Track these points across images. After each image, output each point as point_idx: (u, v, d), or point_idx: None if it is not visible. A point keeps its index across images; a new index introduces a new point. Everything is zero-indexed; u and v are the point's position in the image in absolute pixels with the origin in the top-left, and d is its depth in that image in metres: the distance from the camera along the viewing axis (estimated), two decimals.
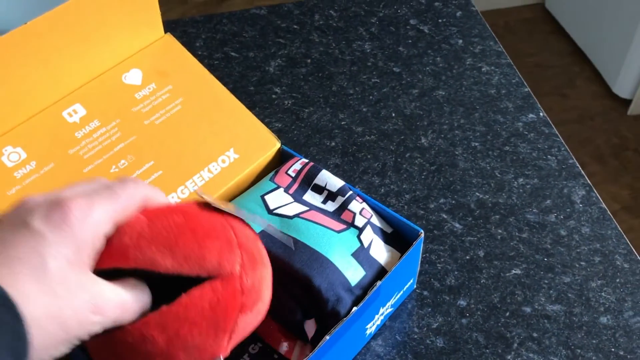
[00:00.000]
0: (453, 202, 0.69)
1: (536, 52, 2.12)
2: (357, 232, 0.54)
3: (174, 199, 0.55)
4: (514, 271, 0.63)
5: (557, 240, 0.65)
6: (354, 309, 0.49)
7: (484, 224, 0.67)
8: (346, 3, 0.92)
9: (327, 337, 0.47)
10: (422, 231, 0.54)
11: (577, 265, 0.63)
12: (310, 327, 0.50)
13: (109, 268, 0.36)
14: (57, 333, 0.32)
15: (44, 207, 0.34)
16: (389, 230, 0.56)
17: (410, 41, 0.86)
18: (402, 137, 0.75)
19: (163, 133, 0.58)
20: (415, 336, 0.58)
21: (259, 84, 0.81)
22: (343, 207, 0.56)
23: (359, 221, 0.55)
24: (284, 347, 0.53)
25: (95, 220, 0.35)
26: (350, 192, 0.57)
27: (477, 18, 0.89)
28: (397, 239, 0.56)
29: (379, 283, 0.51)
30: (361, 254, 0.53)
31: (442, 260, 0.64)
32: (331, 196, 0.57)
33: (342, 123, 0.77)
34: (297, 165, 0.59)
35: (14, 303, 0.30)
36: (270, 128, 0.76)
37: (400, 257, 0.54)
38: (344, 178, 0.71)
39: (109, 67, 0.59)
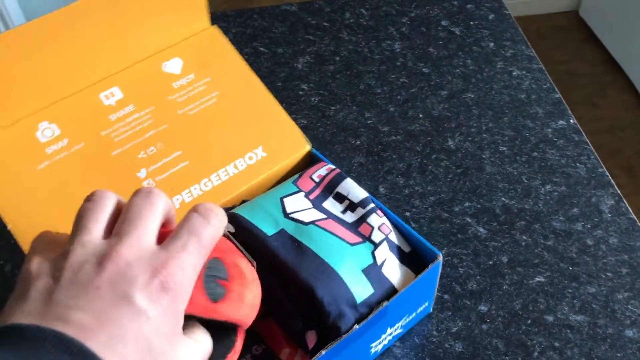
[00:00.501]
0: (478, 206, 0.68)
1: (568, 59, 2.09)
2: (372, 247, 0.52)
3: (196, 190, 0.55)
4: (537, 279, 0.62)
5: (583, 249, 0.64)
6: (356, 326, 0.47)
7: (508, 230, 0.66)
8: (377, 2, 0.91)
9: (323, 352, 0.46)
10: (440, 254, 0.51)
11: (603, 276, 0.62)
12: (311, 338, 0.48)
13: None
14: None
15: (143, 276, 0.32)
16: (407, 249, 0.54)
17: (440, 42, 0.86)
18: (429, 138, 0.74)
19: (194, 124, 0.58)
20: (434, 339, 0.58)
21: (286, 80, 0.81)
22: (362, 219, 0.54)
23: (376, 236, 0.53)
24: (285, 353, 0.51)
25: (189, 281, 0.34)
26: (372, 205, 0.55)
27: (510, 22, 0.88)
28: (414, 259, 0.54)
29: (385, 303, 0.49)
30: (372, 271, 0.51)
31: (464, 264, 0.63)
32: (352, 207, 0.55)
33: (369, 122, 0.76)
34: (322, 170, 0.57)
35: None
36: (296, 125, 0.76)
37: (414, 278, 0.52)
38: (367, 177, 0.70)
39: (151, 54, 0.59)
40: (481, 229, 0.66)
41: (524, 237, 0.65)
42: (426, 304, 0.57)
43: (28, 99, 0.53)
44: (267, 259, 0.50)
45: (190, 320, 0.37)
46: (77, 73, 0.55)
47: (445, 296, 0.61)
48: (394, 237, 0.54)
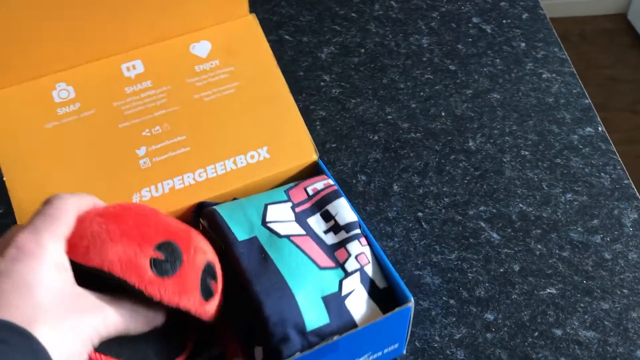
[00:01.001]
0: (494, 211, 0.66)
1: (611, 64, 2.03)
2: (342, 275, 0.49)
3: (189, 179, 0.54)
4: (548, 290, 0.60)
5: (600, 263, 0.61)
6: (298, 353, 0.45)
7: (523, 238, 0.64)
8: None
9: None
10: (412, 300, 0.48)
11: (618, 292, 0.59)
12: (258, 354, 0.46)
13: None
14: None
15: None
16: (382, 284, 0.50)
17: (470, 39, 0.83)
18: (449, 137, 0.72)
19: (206, 111, 0.57)
20: (436, 345, 0.56)
21: (308, 69, 0.80)
22: (342, 244, 0.51)
23: (351, 265, 0.50)
24: None
25: (47, 245, 0.38)
26: (357, 231, 0.51)
27: (544, 22, 0.85)
28: (387, 296, 0.50)
29: (335, 338, 0.45)
30: (334, 301, 0.47)
31: (473, 270, 0.61)
32: (336, 228, 0.52)
33: (389, 117, 0.75)
34: (319, 184, 0.55)
35: (25, 329, 0.33)
36: (314, 116, 0.74)
37: (380, 317, 0.48)
38: (382, 174, 0.69)
39: (181, 33, 0.58)
40: (495, 235, 0.64)
41: (539, 246, 0.63)
42: (396, 345, 0.53)
43: (51, 58, 0.54)
44: (231, 264, 0.48)
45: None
46: (104, 40, 0.55)
47: (451, 301, 0.59)
48: (369, 269, 0.50)
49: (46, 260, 0.37)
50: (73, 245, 0.40)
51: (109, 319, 0.39)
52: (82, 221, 0.41)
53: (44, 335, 0.34)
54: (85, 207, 0.43)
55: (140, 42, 0.57)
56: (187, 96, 0.57)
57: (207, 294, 0.44)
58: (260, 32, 0.61)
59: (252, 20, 0.61)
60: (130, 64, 0.57)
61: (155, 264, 0.41)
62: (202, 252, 0.45)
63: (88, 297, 0.38)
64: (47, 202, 0.41)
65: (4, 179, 0.51)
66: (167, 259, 0.42)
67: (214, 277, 0.45)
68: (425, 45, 0.83)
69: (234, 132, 0.57)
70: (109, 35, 0.55)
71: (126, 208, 0.43)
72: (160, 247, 0.42)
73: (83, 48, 0.55)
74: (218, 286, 0.46)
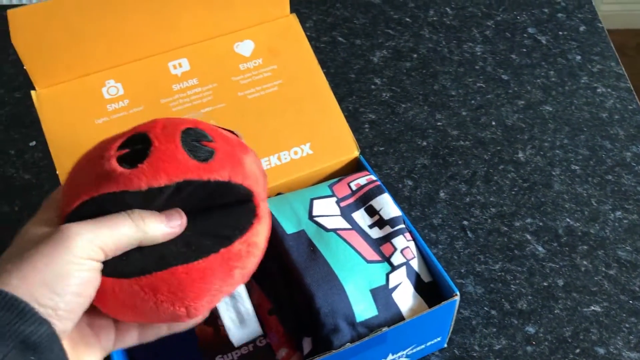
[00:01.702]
0: (540, 224, 0.65)
1: None
2: (388, 268, 0.50)
3: None
4: (593, 307, 0.59)
5: None
6: (348, 344, 0.46)
7: (569, 253, 0.63)
8: (464, 2, 0.89)
9: None
10: (457, 293, 0.48)
11: None
12: (307, 344, 0.47)
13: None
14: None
15: None
16: (427, 278, 0.51)
17: (524, 50, 0.82)
18: (499, 147, 0.72)
19: (250, 108, 0.58)
20: (475, 354, 0.56)
21: (360, 72, 0.80)
22: (387, 238, 0.52)
23: (397, 259, 0.51)
24: (282, 353, 0.50)
25: None
26: (402, 226, 0.52)
27: (602, 35, 0.84)
28: (432, 290, 0.51)
29: (384, 329, 0.46)
30: (381, 293, 0.48)
31: (517, 282, 0.61)
32: (380, 223, 0.53)
33: (438, 124, 0.75)
34: (362, 179, 0.56)
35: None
36: (363, 119, 0.75)
37: (426, 310, 0.49)
38: (429, 180, 0.69)
39: (226, 32, 0.60)
40: (540, 248, 0.63)
41: (585, 263, 0.62)
42: (438, 338, 0.54)
43: (101, 56, 0.56)
44: (280, 256, 0.49)
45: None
46: (151, 38, 0.57)
47: (493, 312, 0.59)
48: (415, 263, 0.51)
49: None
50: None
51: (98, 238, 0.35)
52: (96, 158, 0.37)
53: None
54: None
55: (186, 41, 0.59)
56: (232, 94, 0.58)
57: (200, 154, 0.37)
58: (301, 31, 0.62)
59: (293, 20, 0.62)
60: (177, 62, 0.58)
61: (123, 160, 0.36)
62: (172, 123, 0.38)
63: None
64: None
65: (57, 172, 0.52)
66: (133, 149, 0.36)
67: (203, 136, 0.38)
68: (478, 54, 0.82)
69: (277, 129, 0.58)
70: (156, 34, 0.57)
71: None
72: (124, 145, 0.37)
73: (131, 46, 0.57)
74: (221, 143, 0.38)
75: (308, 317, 0.47)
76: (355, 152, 0.59)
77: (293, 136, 0.58)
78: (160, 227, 0.36)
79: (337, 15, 0.87)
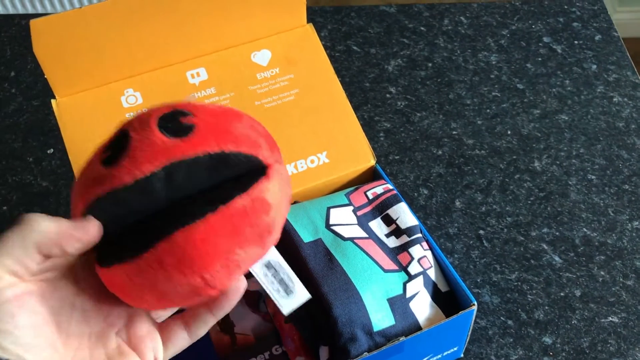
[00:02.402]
0: (557, 233, 0.65)
1: None
2: (406, 278, 0.50)
3: None
4: (610, 318, 0.59)
5: None
6: (365, 354, 0.46)
7: (586, 263, 0.63)
8: (479, 11, 0.89)
9: None
10: (475, 303, 0.48)
11: None
12: (324, 353, 0.47)
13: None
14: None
15: None
16: (444, 288, 0.51)
17: (540, 59, 0.82)
18: (515, 157, 0.72)
19: (267, 117, 0.58)
20: None
21: (375, 81, 0.80)
22: (404, 247, 0.52)
23: (413, 268, 0.51)
24: None
25: None
26: (419, 235, 0.52)
27: (618, 45, 0.84)
28: (449, 300, 0.51)
29: (402, 338, 0.46)
30: (398, 302, 0.48)
31: (533, 292, 0.61)
32: (397, 232, 0.53)
33: (453, 133, 0.75)
34: (378, 188, 0.56)
35: None
36: (378, 127, 0.75)
37: (443, 320, 0.49)
38: (445, 189, 0.69)
39: (244, 42, 0.60)
40: (557, 258, 0.63)
41: (602, 273, 0.62)
42: (455, 348, 0.53)
43: (121, 65, 0.56)
44: (298, 264, 0.49)
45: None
46: (170, 48, 0.57)
47: (509, 322, 0.59)
48: (432, 272, 0.51)
49: None
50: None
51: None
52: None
53: None
54: None
55: (204, 50, 0.59)
56: (250, 103, 0.59)
57: (180, 132, 0.35)
58: (317, 41, 0.62)
59: (310, 30, 0.62)
60: (195, 72, 0.59)
61: (107, 161, 0.35)
62: (153, 110, 0.37)
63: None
64: None
65: (76, 180, 0.53)
66: (114, 148, 0.35)
67: (182, 114, 0.36)
68: (493, 63, 0.82)
69: (294, 137, 0.58)
70: (174, 44, 0.57)
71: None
72: (108, 147, 0.36)
73: (150, 56, 0.57)
74: (202, 116, 0.36)
75: (325, 326, 0.47)
76: (371, 161, 0.59)
77: (310, 145, 0.58)
78: (53, 222, 0.33)
79: (351, 25, 0.88)
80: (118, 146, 0.35)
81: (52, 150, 0.74)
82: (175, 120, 0.35)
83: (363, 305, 0.47)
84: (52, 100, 0.55)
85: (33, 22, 0.50)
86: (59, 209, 0.68)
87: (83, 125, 0.55)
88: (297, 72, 0.61)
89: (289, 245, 0.51)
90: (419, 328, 0.48)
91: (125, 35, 0.54)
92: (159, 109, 0.37)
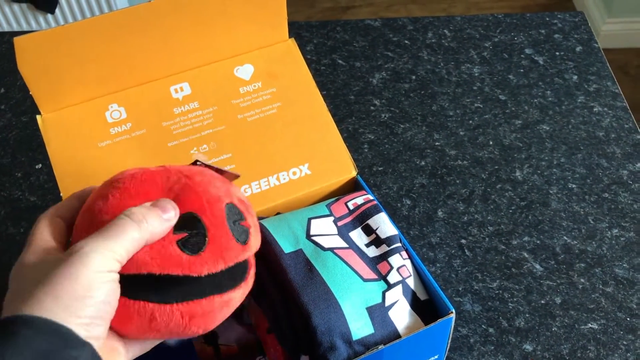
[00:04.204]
0: (538, 242, 0.66)
1: None
2: (385, 287, 0.50)
3: None
4: (590, 325, 0.59)
5: None
6: None
7: (566, 270, 0.63)
8: (462, 24, 0.90)
9: None
10: (453, 310, 0.48)
11: None
12: None
13: None
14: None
15: None
16: (423, 296, 0.52)
17: (522, 70, 0.84)
18: (496, 167, 0.73)
19: (250, 130, 0.59)
20: None
21: (359, 94, 0.82)
22: (383, 256, 0.52)
23: (393, 277, 0.51)
24: None
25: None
26: (398, 245, 0.53)
27: (598, 55, 0.85)
28: (428, 308, 0.51)
29: (380, 347, 0.47)
30: (377, 311, 0.49)
31: (514, 300, 0.61)
32: (377, 242, 0.53)
33: (436, 144, 0.76)
34: (359, 199, 0.57)
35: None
36: (363, 139, 0.76)
37: (422, 328, 0.49)
38: (427, 199, 0.70)
39: (226, 57, 0.62)
40: (537, 266, 0.64)
41: (582, 280, 0.63)
42: (436, 356, 0.54)
43: (105, 81, 0.57)
44: (278, 275, 0.50)
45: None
46: (154, 63, 0.59)
47: (490, 329, 0.59)
48: (411, 281, 0.52)
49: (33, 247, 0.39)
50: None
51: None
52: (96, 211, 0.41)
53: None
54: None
55: (188, 65, 0.60)
56: (232, 116, 0.60)
57: (242, 236, 0.42)
58: (299, 55, 0.63)
59: (292, 44, 0.64)
60: (179, 86, 0.60)
61: (184, 245, 0.39)
62: (215, 200, 0.42)
63: None
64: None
65: (61, 194, 0.54)
66: (191, 234, 0.40)
67: (239, 215, 0.43)
68: (476, 74, 0.84)
69: (276, 150, 0.59)
70: (158, 59, 0.58)
71: (115, 191, 0.41)
72: (176, 227, 0.40)
73: (134, 71, 0.58)
74: (249, 218, 0.43)
75: (305, 336, 0.47)
76: (352, 172, 0.60)
77: (292, 157, 0.59)
78: (160, 222, 0.39)
79: (337, 39, 0.89)
80: (193, 230, 0.40)
81: (40, 165, 0.75)
82: (239, 223, 0.42)
83: (342, 314, 0.48)
84: (37, 116, 0.56)
85: (17, 40, 0.51)
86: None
87: (68, 141, 0.56)
88: (279, 86, 0.62)
89: (269, 255, 0.51)
90: (398, 336, 0.49)
91: (109, 51, 0.55)
92: (218, 195, 0.42)
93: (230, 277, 0.41)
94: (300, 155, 0.59)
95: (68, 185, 0.54)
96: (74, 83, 0.56)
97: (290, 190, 0.58)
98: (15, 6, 1.68)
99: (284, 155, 0.59)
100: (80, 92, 0.57)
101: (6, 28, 1.73)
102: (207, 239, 0.40)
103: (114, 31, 0.54)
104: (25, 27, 1.72)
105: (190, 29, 0.58)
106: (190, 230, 0.40)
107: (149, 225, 0.38)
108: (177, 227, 0.40)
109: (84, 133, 0.57)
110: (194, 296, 0.39)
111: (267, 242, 0.52)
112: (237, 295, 0.42)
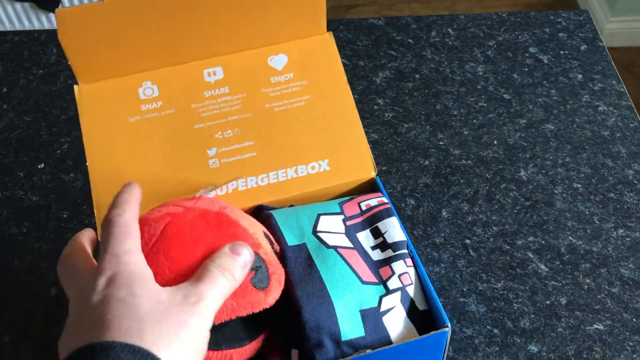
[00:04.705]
0: (543, 242, 0.65)
1: None
2: (383, 292, 0.50)
3: (252, 182, 0.57)
4: (596, 326, 0.59)
5: None
6: None
7: (571, 271, 0.63)
8: (466, 23, 0.90)
9: None
10: (448, 325, 0.47)
11: None
12: (294, 356, 0.47)
13: None
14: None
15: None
16: (422, 306, 0.50)
17: (526, 69, 0.83)
18: (501, 166, 0.73)
19: (276, 120, 0.59)
20: None
21: (363, 93, 0.81)
22: (387, 261, 0.51)
23: (393, 283, 0.50)
24: None
25: (131, 264, 0.40)
26: (404, 251, 0.52)
27: (603, 54, 0.84)
28: (426, 319, 0.50)
29: (368, 351, 0.46)
30: (371, 315, 0.48)
31: (519, 300, 0.61)
32: (383, 245, 0.53)
33: (440, 143, 0.75)
34: (373, 200, 0.56)
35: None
36: (366, 138, 0.76)
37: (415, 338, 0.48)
38: (431, 199, 0.70)
39: (262, 45, 0.62)
40: (542, 267, 0.63)
41: (587, 281, 0.62)
42: None
43: (140, 58, 0.58)
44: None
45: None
46: (190, 46, 0.59)
47: (495, 330, 0.59)
48: (411, 290, 0.51)
49: (138, 279, 0.38)
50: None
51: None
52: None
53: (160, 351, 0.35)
54: (137, 207, 0.44)
55: (223, 50, 0.61)
56: (260, 105, 0.60)
57: (260, 286, 0.45)
58: (335, 50, 0.63)
59: (329, 38, 0.63)
60: (212, 70, 0.61)
61: (255, 283, 0.43)
62: (258, 233, 0.47)
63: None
64: (109, 222, 0.41)
65: (87, 164, 0.56)
66: (256, 269, 0.44)
67: (263, 268, 0.46)
68: (480, 73, 0.83)
69: (298, 143, 0.59)
70: (194, 42, 0.59)
71: (177, 237, 0.44)
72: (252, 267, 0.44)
73: (170, 51, 0.59)
74: (269, 271, 0.46)
75: (296, 330, 0.47)
76: (372, 173, 0.59)
77: (313, 151, 0.59)
78: (242, 270, 0.42)
79: (340, 38, 0.89)
80: (256, 265, 0.44)
81: (42, 165, 0.75)
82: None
83: (334, 313, 0.47)
84: (75, 87, 0.57)
85: (58, 11, 0.52)
86: (49, 223, 0.69)
87: (100, 113, 0.58)
88: (311, 79, 0.62)
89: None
90: (390, 343, 0.48)
91: (146, 29, 0.56)
92: (269, 247, 0.47)
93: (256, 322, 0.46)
94: (322, 150, 0.59)
95: (96, 157, 0.56)
96: (110, 57, 0.57)
97: (307, 185, 0.58)
98: (18, 5, 1.67)
99: (305, 148, 0.59)
100: (116, 67, 0.58)
101: (8, 27, 1.73)
102: (268, 271, 0.44)
103: (152, 11, 0.55)
104: (27, 26, 1.72)
105: (227, 14, 0.58)
106: (254, 266, 0.44)
107: (235, 275, 0.41)
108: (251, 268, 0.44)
109: (116, 106, 0.58)
110: (237, 344, 0.44)
111: (273, 232, 0.52)
112: (257, 345, 0.47)
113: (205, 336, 0.38)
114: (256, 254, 0.45)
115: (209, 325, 0.38)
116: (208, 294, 0.39)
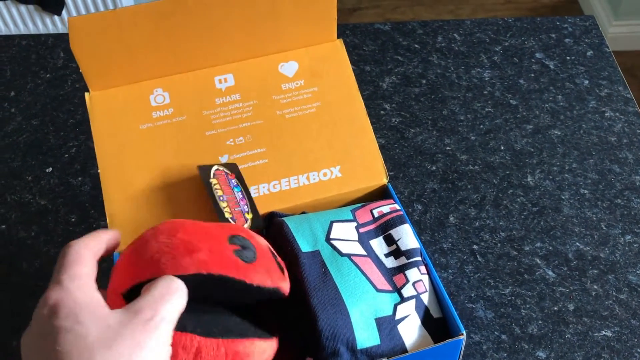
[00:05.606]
0: (550, 248, 0.66)
1: None
2: (397, 299, 0.50)
3: (264, 189, 0.57)
4: (604, 332, 0.59)
5: None
6: None
7: (579, 277, 0.63)
8: (472, 28, 0.90)
9: None
10: (464, 332, 0.47)
11: None
12: None
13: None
14: None
15: None
16: (436, 314, 0.50)
17: (532, 75, 0.83)
18: (508, 172, 0.73)
19: (287, 127, 0.60)
20: None
21: (369, 98, 0.81)
22: (401, 269, 0.51)
23: (407, 291, 0.50)
24: None
25: (76, 295, 0.38)
26: (417, 258, 0.52)
27: (610, 60, 0.85)
28: (440, 326, 0.50)
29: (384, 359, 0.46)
30: (386, 323, 0.48)
31: (527, 306, 0.61)
32: (397, 253, 0.52)
33: (447, 148, 0.75)
34: (385, 207, 0.56)
35: None
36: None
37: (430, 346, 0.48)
38: (439, 205, 0.70)
39: (272, 52, 0.62)
40: (550, 272, 0.64)
41: (595, 287, 0.62)
42: None
43: (152, 66, 0.59)
44: (293, 272, 0.50)
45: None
46: (201, 53, 0.60)
47: (503, 336, 0.59)
48: (426, 297, 0.51)
49: (83, 306, 0.36)
50: (143, 267, 0.41)
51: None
52: (145, 242, 0.42)
53: None
54: (99, 244, 0.42)
55: (234, 57, 0.61)
56: (271, 112, 0.60)
57: (280, 266, 0.46)
58: (345, 57, 0.63)
59: (339, 45, 0.64)
60: (223, 77, 0.61)
61: (239, 254, 0.42)
62: (260, 238, 0.46)
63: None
64: (62, 254, 0.40)
65: (99, 171, 0.56)
66: (243, 246, 0.43)
67: (274, 255, 0.47)
68: (486, 79, 0.83)
69: (310, 149, 0.59)
70: (205, 49, 0.60)
71: (174, 222, 0.44)
72: (230, 240, 0.43)
73: (181, 58, 0.60)
74: (260, 254, 0.46)
75: (311, 338, 0.47)
76: (384, 180, 0.59)
77: (324, 158, 0.59)
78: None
79: (346, 43, 0.89)
80: (244, 245, 0.44)
81: (50, 169, 0.75)
82: (276, 257, 0.46)
83: (349, 321, 0.47)
84: (86, 94, 0.58)
85: (71, 20, 0.53)
86: (57, 227, 0.69)
87: (111, 121, 0.58)
88: (322, 86, 0.62)
89: (287, 252, 0.51)
90: (405, 351, 0.48)
91: (158, 37, 0.57)
92: (268, 248, 0.46)
93: (267, 324, 0.45)
94: (333, 157, 0.60)
95: (107, 163, 0.56)
96: (122, 64, 0.58)
97: (319, 191, 0.58)
98: (22, 7, 1.68)
99: (317, 155, 0.59)
100: (127, 74, 0.59)
101: (13, 30, 1.73)
102: (256, 254, 0.43)
103: (163, 19, 0.56)
104: (32, 29, 1.72)
105: (238, 21, 0.58)
106: (243, 245, 0.43)
107: (185, 290, 0.39)
108: (230, 241, 0.43)
109: (127, 114, 0.58)
110: (237, 335, 0.41)
111: (287, 239, 0.52)
112: (269, 347, 0.44)
113: (165, 351, 0.36)
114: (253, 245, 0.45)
115: (169, 339, 0.37)
116: (163, 305, 0.37)
